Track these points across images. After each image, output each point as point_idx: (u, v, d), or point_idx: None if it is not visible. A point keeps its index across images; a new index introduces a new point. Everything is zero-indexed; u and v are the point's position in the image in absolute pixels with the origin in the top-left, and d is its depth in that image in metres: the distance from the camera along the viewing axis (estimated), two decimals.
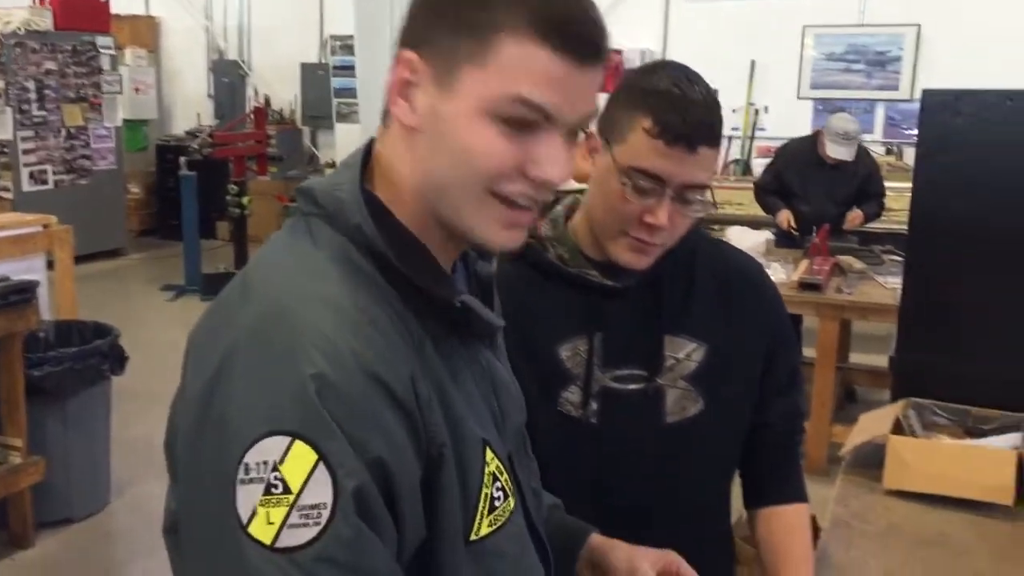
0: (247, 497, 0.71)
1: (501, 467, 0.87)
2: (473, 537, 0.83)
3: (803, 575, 1.33)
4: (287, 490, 0.70)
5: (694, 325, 1.27)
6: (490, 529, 0.85)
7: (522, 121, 0.77)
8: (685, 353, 1.26)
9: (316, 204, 0.84)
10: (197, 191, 6.90)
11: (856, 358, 4.97)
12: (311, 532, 0.71)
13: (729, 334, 1.29)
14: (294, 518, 0.70)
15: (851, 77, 7.13)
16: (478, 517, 0.83)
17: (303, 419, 0.71)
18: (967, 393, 2.06)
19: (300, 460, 0.71)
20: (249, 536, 0.70)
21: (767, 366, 1.34)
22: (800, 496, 1.39)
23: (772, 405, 1.36)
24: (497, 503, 0.86)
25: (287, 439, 0.71)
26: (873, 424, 2.07)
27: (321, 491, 0.71)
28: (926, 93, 2.05)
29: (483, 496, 0.84)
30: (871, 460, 1.97)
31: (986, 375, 2.06)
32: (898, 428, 2.00)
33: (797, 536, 1.36)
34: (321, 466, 0.71)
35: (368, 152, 0.87)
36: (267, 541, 0.70)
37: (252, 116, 7.62)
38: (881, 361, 4.75)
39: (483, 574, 0.84)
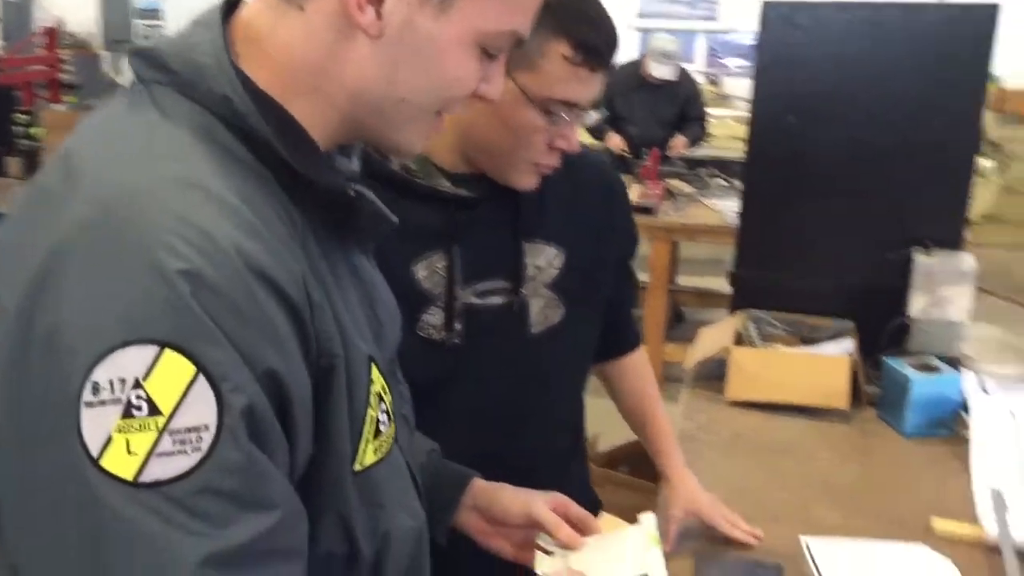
0: (97, 423, 0.57)
1: (385, 388, 0.76)
2: (358, 467, 0.72)
3: (660, 410, 1.49)
4: (155, 411, 0.57)
5: (552, 231, 1.22)
6: (376, 458, 0.74)
7: (499, 51, 0.75)
8: (546, 260, 1.21)
9: (165, 69, 0.68)
10: None
11: (682, 281, 5.12)
12: (189, 460, 0.58)
13: (586, 237, 1.26)
14: (165, 444, 0.57)
15: (675, 7, 7.30)
16: (363, 443, 0.72)
17: (176, 324, 0.58)
18: (801, 303, 2.12)
19: (172, 374, 0.58)
20: (102, 471, 0.57)
21: (620, 263, 1.36)
22: (639, 340, 1.51)
23: (615, 284, 1.38)
24: (383, 428, 0.75)
25: (153, 348, 0.57)
26: (714, 337, 2.08)
27: (201, 410, 0.58)
28: (766, 6, 2.04)
29: (368, 419, 0.73)
30: (714, 373, 1.99)
31: (817, 286, 2.11)
32: (738, 340, 2.03)
33: (647, 377, 1.50)
34: (201, 380, 0.58)
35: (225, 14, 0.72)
36: (128, 475, 0.57)
37: (43, 38, 6.91)
38: (704, 283, 4.92)
39: (369, 510, 0.74)
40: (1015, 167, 4.27)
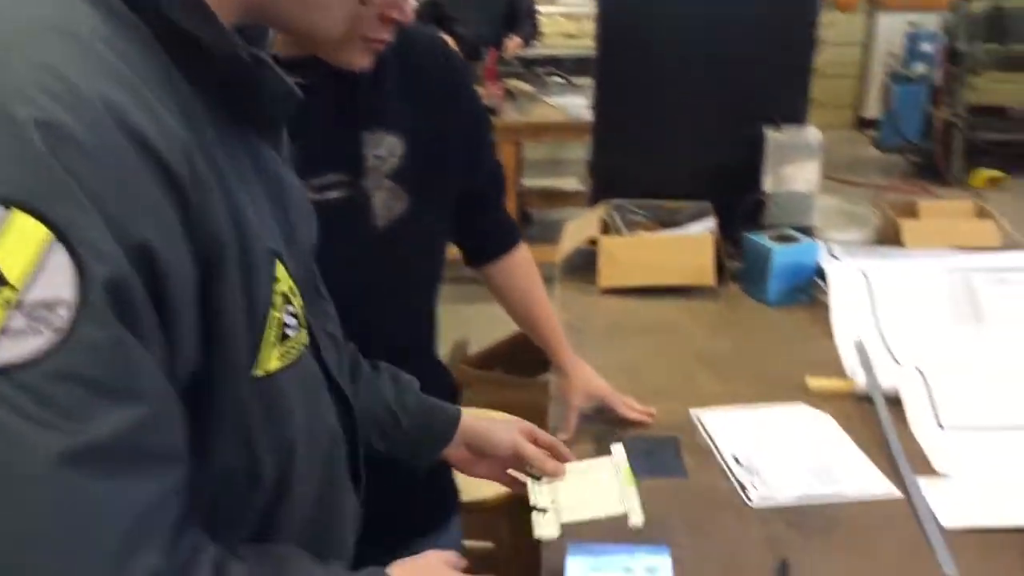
0: None
1: (294, 288, 0.70)
2: (260, 372, 0.65)
3: (547, 305, 1.49)
4: (2, 282, 0.49)
5: (391, 118, 1.15)
6: (280, 364, 0.68)
7: None
8: (387, 149, 1.15)
9: None
10: None
11: (527, 183, 5.14)
12: (43, 341, 0.50)
13: (427, 122, 1.19)
14: (16, 322, 0.50)
15: None
16: (265, 347, 0.65)
17: (27, 181, 0.50)
18: (659, 189, 2.15)
19: (23, 238, 0.49)
20: None
21: (469, 145, 1.28)
22: (518, 237, 1.46)
23: (479, 175, 1.33)
24: (290, 332, 0.68)
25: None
26: (580, 229, 2.09)
27: (57, 282, 0.50)
28: None
29: (271, 320, 0.66)
30: (582, 264, 2.01)
31: (674, 171, 2.14)
32: (604, 230, 2.04)
33: (532, 274, 1.47)
34: (57, 246, 0.50)
35: None
36: None
37: None
38: (550, 183, 4.96)
39: (270, 420, 0.68)
40: (825, 52, 4.47)
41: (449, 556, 0.90)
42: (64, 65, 0.52)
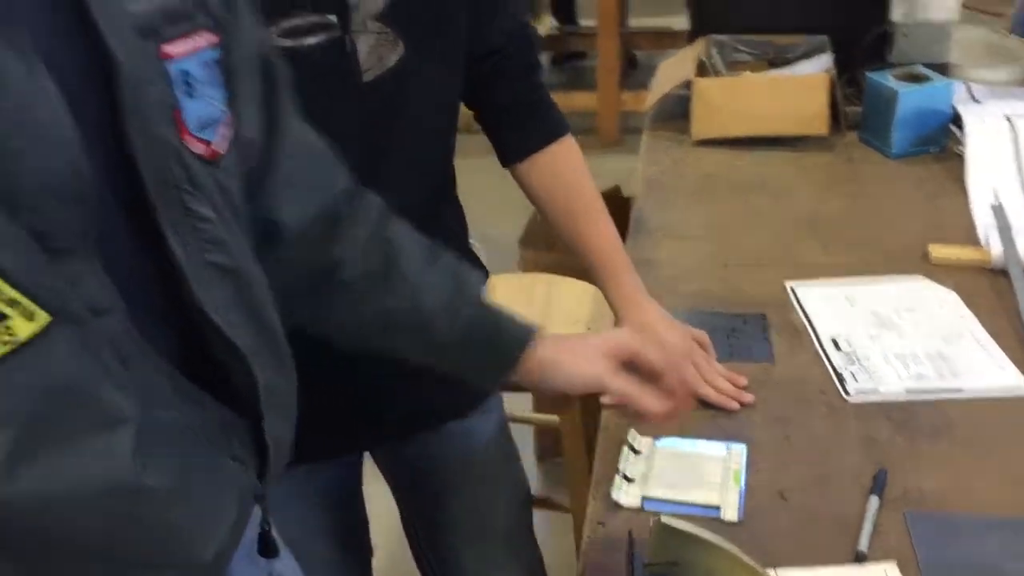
0: None
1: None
2: None
3: (602, 215, 1.13)
4: None
5: None
6: None
7: None
8: None
9: None
10: None
11: (634, 23, 4.77)
12: None
13: None
14: None
15: None
16: None
17: None
18: (767, 22, 1.87)
19: None
20: None
21: None
22: (564, 127, 1.14)
23: (493, 25, 1.05)
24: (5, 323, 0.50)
25: None
26: (674, 71, 1.85)
27: None
28: None
29: None
30: (676, 111, 1.77)
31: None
32: (701, 71, 1.79)
33: (580, 173, 1.14)
34: None
35: None
36: None
37: None
38: (658, 23, 4.59)
39: None
40: None
41: (612, 346, 0.84)
42: None
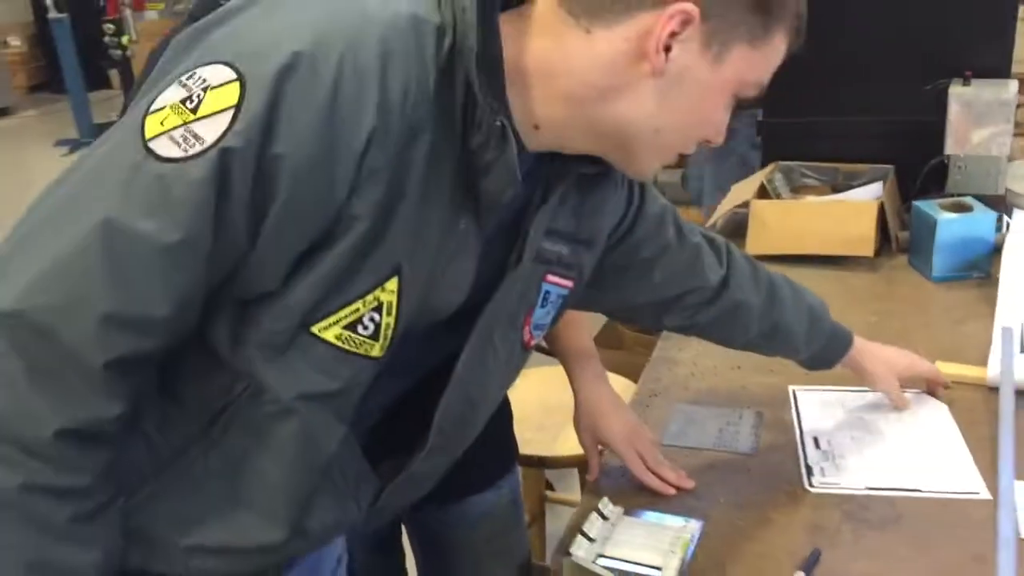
0: (171, 93, 0.69)
1: (395, 305, 0.76)
2: (315, 329, 0.74)
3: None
4: (195, 109, 0.67)
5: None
6: (335, 342, 0.75)
7: (745, 98, 0.82)
8: None
9: None
10: (76, 36, 6.42)
11: None
12: (177, 151, 0.67)
13: None
14: (177, 132, 0.67)
15: None
16: (329, 315, 0.74)
17: (254, 70, 0.67)
18: (836, 150, 2.00)
19: (225, 95, 0.67)
20: (142, 126, 0.69)
21: None
22: None
23: None
24: (361, 331, 0.75)
25: (233, 75, 0.67)
26: (742, 192, 2.00)
27: (211, 128, 0.67)
28: None
29: (349, 308, 0.74)
30: (738, 229, 1.91)
31: (853, 128, 1.98)
32: (764, 193, 1.94)
33: None
34: (231, 111, 0.67)
35: None
36: (147, 134, 0.68)
37: None
38: None
39: (292, 369, 0.75)
40: None
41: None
42: (342, 24, 0.69)
